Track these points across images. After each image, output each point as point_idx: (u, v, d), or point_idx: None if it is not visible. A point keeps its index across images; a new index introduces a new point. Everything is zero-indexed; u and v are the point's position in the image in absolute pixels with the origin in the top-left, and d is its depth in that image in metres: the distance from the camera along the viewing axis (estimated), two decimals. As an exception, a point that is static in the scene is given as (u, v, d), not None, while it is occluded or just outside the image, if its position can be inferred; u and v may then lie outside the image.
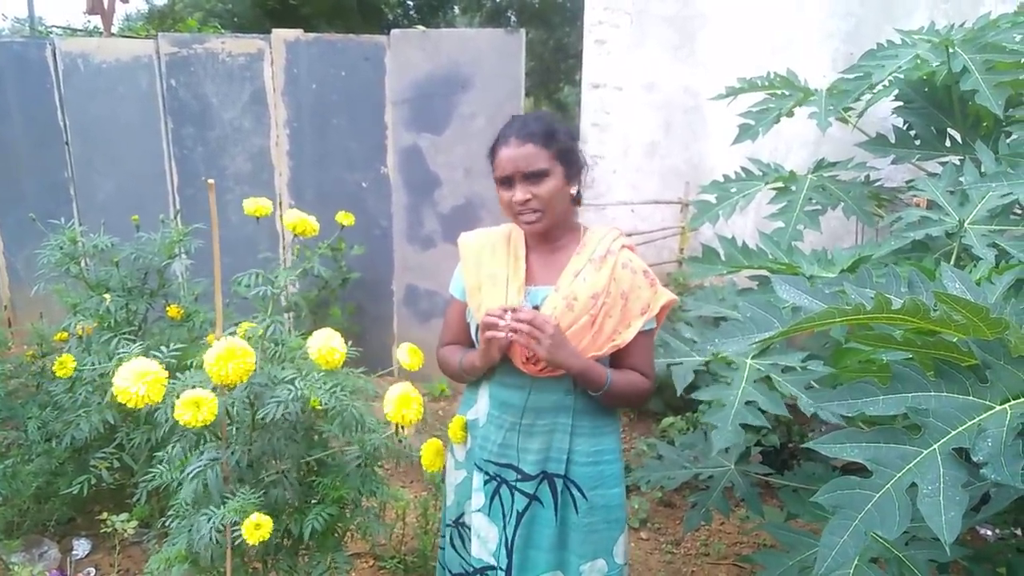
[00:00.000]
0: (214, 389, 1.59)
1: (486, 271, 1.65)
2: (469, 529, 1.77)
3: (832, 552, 0.93)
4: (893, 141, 2.70)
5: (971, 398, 0.97)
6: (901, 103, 2.72)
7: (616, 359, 1.60)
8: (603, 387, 1.54)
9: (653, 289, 1.59)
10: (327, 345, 1.66)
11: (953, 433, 0.94)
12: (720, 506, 2.17)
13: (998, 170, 1.76)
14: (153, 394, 1.47)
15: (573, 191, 1.61)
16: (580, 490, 1.62)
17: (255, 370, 1.63)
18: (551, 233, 1.62)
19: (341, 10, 9.48)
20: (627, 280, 1.56)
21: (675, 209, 4.52)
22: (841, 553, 0.92)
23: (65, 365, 2.26)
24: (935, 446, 0.94)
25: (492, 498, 1.68)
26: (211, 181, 1.49)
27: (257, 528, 1.55)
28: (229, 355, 1.49)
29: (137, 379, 1.45)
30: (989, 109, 2.25)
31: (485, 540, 1.71)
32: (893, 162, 2.72)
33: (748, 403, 1.64)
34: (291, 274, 2.04)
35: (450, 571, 1.83)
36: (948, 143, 2.63)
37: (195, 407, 1.46)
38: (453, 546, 1.82)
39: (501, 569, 1.67)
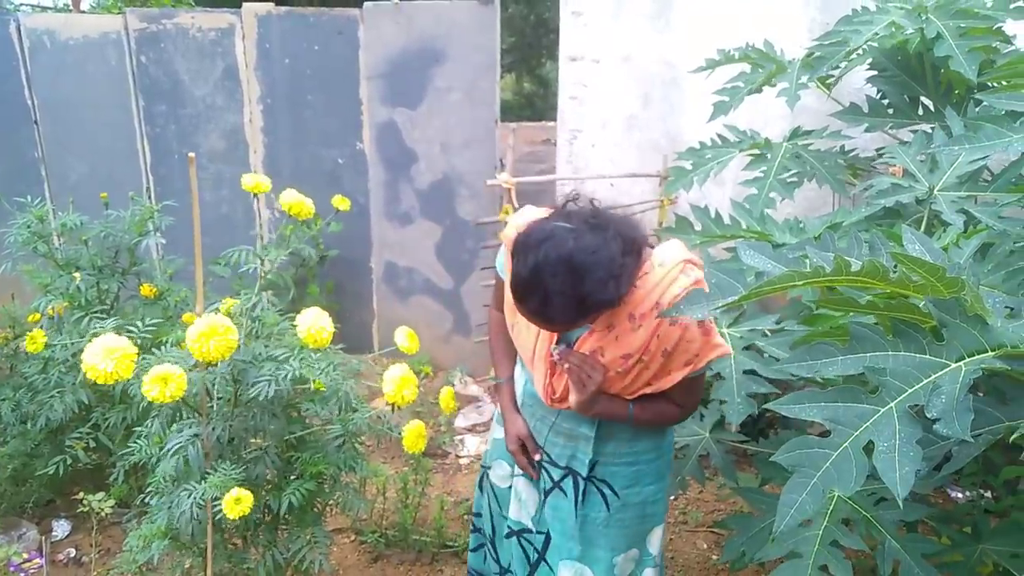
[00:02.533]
0: (195, 366, 1.59)
1: None
2: (488, 480, 1.81)
3: (791, 510, 0.95)
4: (866, 110, 2.71)
5: (927, 356, 0.99)
6: (875, 72, 2.73)
7: None
8: (624, 421, 1.52)
9: (706, 339, 1.40)
10: (316, 324, 1.66)
11: (909, 391, 0.96)
12: (695, 474, 2.20)
13: (961, 134, 1.77)
14: (122, 371, 1.46)
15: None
16: (612, 488, 1.60)
17: (238, 347, 1.63)
18: None
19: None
20: (674, 337, 1.38)
21: (654, 182, 4.51)
22: (799, 510, 0.93)
23: (36, 340, 2.24)
24: (891, 404, 0.96)
25: (537, 466, 1.69)
26: (191, 155, 1.47)
27: (237, 503, 1.56)
28: (211, 332, 1.48)
29: (106, 356, 1.44)
30: (961, 76, 2.26)
31: (526, 503, 1.72)
32: (866, 130, 2.73)
33: (746, 372, 1.65)
34: (281, 253, 2.01)
35: (479, 517, 1.91)
36: (921, 111, 2.64)
37: (163, 382, 1.46)
38: (480, 487, 1.88)
39: (540, 532, 1.68)
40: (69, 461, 2.33)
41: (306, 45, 4.13)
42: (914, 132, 2.42)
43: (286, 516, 1.86)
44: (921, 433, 0.92)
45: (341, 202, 2.71)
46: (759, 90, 2.80)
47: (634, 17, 4.38)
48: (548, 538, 1.67)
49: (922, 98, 2.64)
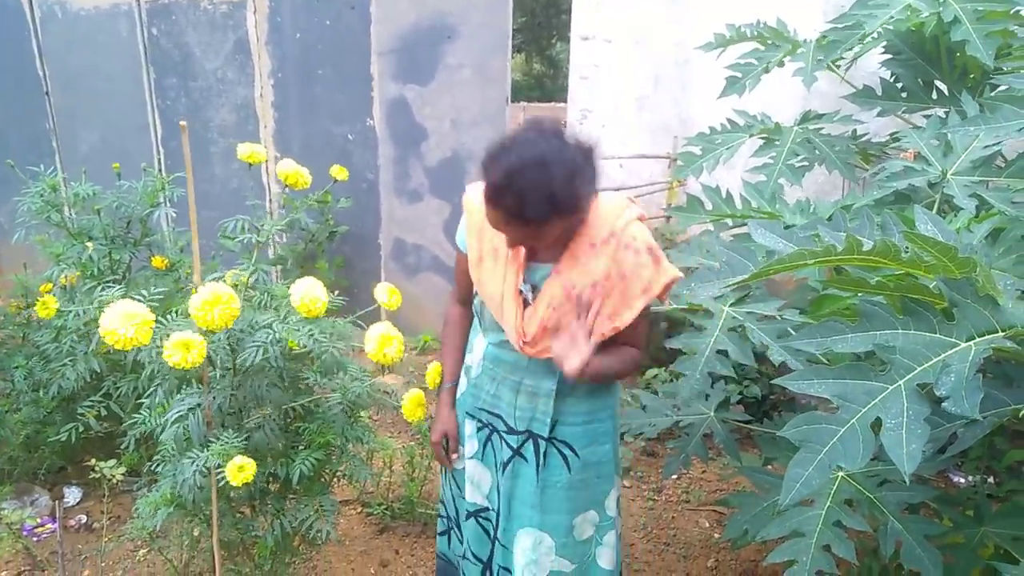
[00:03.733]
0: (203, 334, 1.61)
1: (488, 245, 1.60)
2: (457, 472, 1.81)
3: (797, 484, 0.96)
4: (879, 93, 2.68)
5: (937, 335, 0.99)
6: (889, 55, 2.70)
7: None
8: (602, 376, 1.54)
9: (656, 266, 1.49)
10: (309, 293, 1.67)
11: (919, 369, 0.96)
12: (699, 452, 2.21)
13: (976, 115, 1.76)
14: (141, 336, 1.47)
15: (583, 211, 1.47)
16: (572, 448, 1.63)
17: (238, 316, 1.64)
18: None
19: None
20: (629, 261, 1.48)
21: (663, 164, 4.50)
22: (805, 484, 0.95)
23: (48, 306, 2.25)
24: (900, 382, 0.96)
25: (485, 445, 1.72)
26: (183, 123, 1.47)
27: (240, 471, 1.58)
28: (215, 300, 1.50)
29: (125, 320, 1.46)
30: (977, 60, 2.23)
31: (479, 484, 1.75)
32: (879, 114, 2.71)
33: (719, 351, 1.66)
34: (278, 224, 2.02)
35: (443, 504, 1.91)
36: (935, 96, 2.61)
37: (185, 348, 1.47)
38: (443, 472, 1.89)
39: (494, 510, 1.71)
40: (81, 429, 2.36)
41: (317, 19, 4.11)
42: (927, 117, 2.40)
43: (296, 487, 1.89)
44: (929, 411, 0.93)
45: (339, 172, 2.71)
46: (781, 64, 2.76)
47: (646, -4, 4.34)
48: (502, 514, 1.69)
49: (937, 82, 2.62)
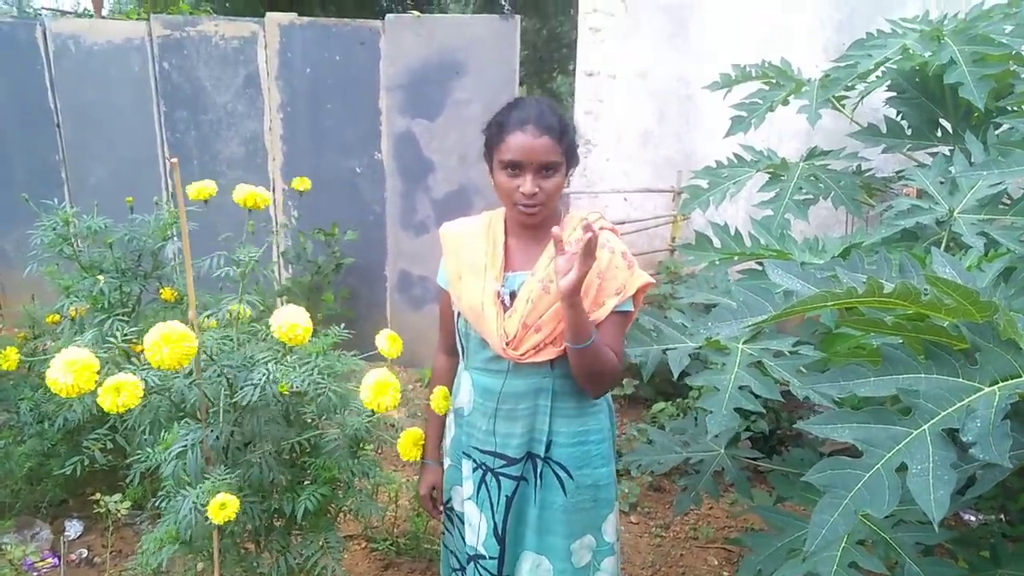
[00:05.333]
0: (190, 374, 1.60)
1: (467, 260, 1.67)
2: (454, 512, 1.81)
3: (823, 530, 0.95)
4: (884, 131, 2.72)
5: (961, 380, 0.99)
6: (894, 93, 2.74)
7: None
8: (590, 338, 1.49)
9: (630, 271, 1.58)
10: (287, 322, 1.60)
11: (943, 414, 0.96)
12: (710, 489, 2.20)
13: (988, 159, 1.78)
14: (83, 383, 1.43)
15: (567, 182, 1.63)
16: (566, 470, 1.64)
17: (233, 351, 1.63)
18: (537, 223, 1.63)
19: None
20: (604, 260, 1.56)
21: (667, 198, 4.53)
22: (831, 531, 0.94)
23: (8, 358, 2.18)
24: (925, 427, 0.96)
25: (479, 486, 1.70)
26: (174, 160, 1.49)
27: (222, 508, 1.55)
28: (165, 340, 1.45)
29: (66, 368, 1.42)
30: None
31: (477, 528, 1.73)
32: (884, 151, 2.74)
33: (741, 387, 1.66)
34: (255, 253, 1.96)
35: (448, 550, 1.88)
36: (939, 133, 2.64)
37: (115, 392, 1.44)
38: (451, 520, 1.85)
39: (492, 558, 1.69)
40: (86, 462, 2.34)
41: (327, 55, 4.17)
42: (932, 155, 2.43)
43: (301, 522, 1.87)
44: (955, 457, 0.93)
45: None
46: (785, 103, 2.81)
47: (651, 34, 4.41)
48: (501, 562, 1.69)
49: (941, 120, 2.65)
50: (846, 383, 1.02)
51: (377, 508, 1.98)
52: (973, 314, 1.00)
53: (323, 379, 1.69)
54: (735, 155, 2.87)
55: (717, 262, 2.12)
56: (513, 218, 1.64)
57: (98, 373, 1.45)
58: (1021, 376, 0.97)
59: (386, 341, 1.75)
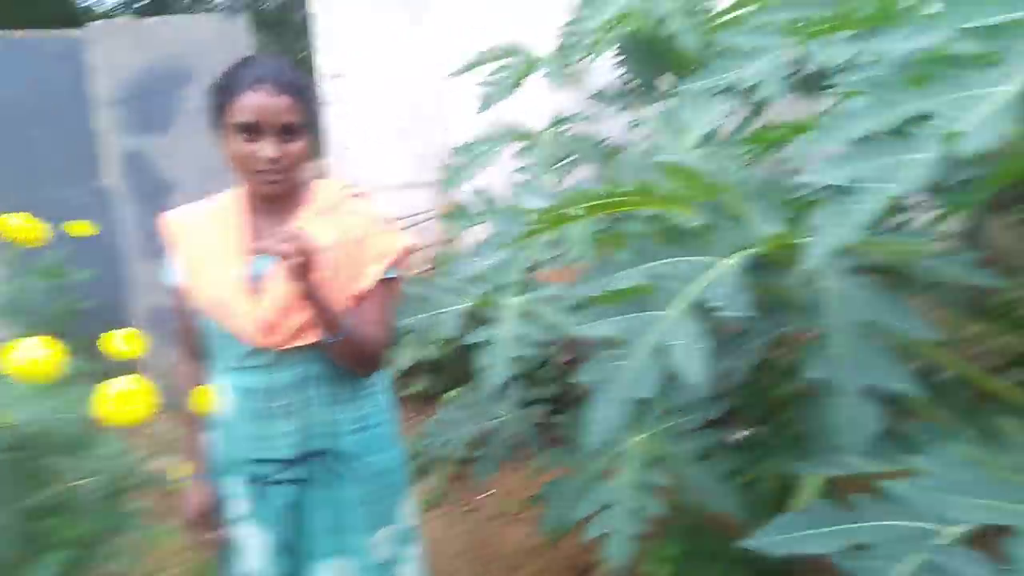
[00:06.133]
0: None
1: (198, 244, 1.49)
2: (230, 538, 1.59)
3: (600, 427, 0.94)
4: (613, 93, 2.90)
5: (703, 258, 1.03)
6: (624, 56, 2.92)
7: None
8: (342, 328, 1.39)
9: (391, 234, 1.52)
10: (29, 356, 1.38)
11: (690, 290, 0.99)
12: (505, 455, 2.18)
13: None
14: None
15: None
16: (351, 460, 1.51)
17: None
18: (281, 194, 1.48)
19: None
20: (357, 226, 1.48)
21: (432, 192, 4.53)
22: (606, 423, 0.92)
23: None
24: (676, 306, 0.98)
25: (255, 502, 1.52)
26: None
27: None
28: None
29: None
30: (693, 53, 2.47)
31: (259, 551, 1.54)
32: (619, 111, 2.91)
33: (517, 337, 1.64)
34: None
35: None
36: (666, 87, 2.86)
37: None
38: (226, 558, 1.62)
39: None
40: None
41: (23, 73, 3.64)
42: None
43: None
44: (706, 328, 0.95)
45: (80, 227, 2.36)
46: (521, 81, 2.89)
47: (388, 30, 4.39)
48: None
49: (668, 75, 2.86)
50: (608, 278, 1.02)
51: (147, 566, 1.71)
52: (703, 195, 1.05)
53: (63, 411, 1.42)
54: (486, 132, 2.91)
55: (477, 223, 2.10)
56: (253, 191, 1.48)
57: None
58: (752, 246, 1.02)
59: (124, 341, 1.53)
